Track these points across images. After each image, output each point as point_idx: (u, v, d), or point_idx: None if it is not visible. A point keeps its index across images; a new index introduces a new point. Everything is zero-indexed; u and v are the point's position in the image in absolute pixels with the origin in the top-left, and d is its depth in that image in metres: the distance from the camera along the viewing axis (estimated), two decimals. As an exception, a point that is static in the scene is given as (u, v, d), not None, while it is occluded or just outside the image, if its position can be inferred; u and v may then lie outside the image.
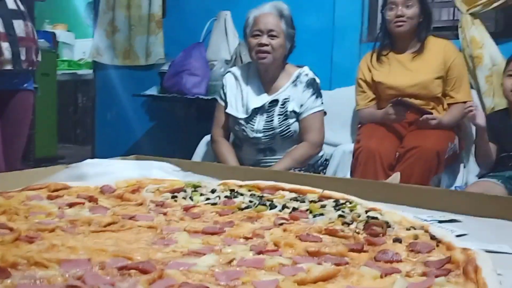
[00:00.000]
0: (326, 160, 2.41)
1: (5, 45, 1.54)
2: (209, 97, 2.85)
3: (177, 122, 3.45)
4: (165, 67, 3.32)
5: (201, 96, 3.00)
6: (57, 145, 5.20)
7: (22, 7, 1.63)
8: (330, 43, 3.10)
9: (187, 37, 3.49)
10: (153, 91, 3.32)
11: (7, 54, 1.55)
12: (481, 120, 2.10)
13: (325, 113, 2.28)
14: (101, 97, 4.03)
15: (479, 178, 2.24)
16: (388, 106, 2.31)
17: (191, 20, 3.54)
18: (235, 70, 2.33)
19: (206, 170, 1.46)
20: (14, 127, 1.74)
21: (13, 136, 1.75)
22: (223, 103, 2.28)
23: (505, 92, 2.19)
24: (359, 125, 2.57)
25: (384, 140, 2.23)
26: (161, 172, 1.46)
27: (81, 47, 7.14)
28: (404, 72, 2.44)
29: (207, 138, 2.58)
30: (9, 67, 1.57)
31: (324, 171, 2.38)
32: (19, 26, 1.58)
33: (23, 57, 1.60)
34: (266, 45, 2.15)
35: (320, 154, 2.33)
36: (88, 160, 1.35)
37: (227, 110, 2.25)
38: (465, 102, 2.30)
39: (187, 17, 3.57)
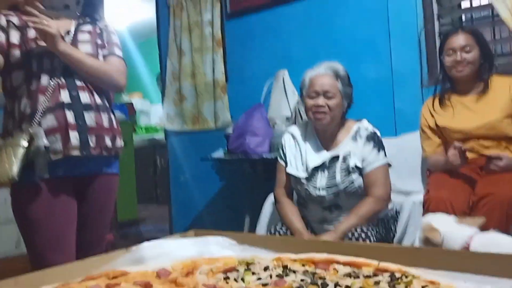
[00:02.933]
0: (397, 212, 2.34)
1: (74, 134, 1.66)
2: (273, 156, 2.87)
3: (244, 181, 3.51)
4: (230, 130, 3.42)
5: (264, 155, 3.04)
6: (137, 208, 5.43)
7: (98, 100, 1.76)
8: (391, 90, 3.06)
9: (249, 99, 3.59)
10: (220, 153, 3.41)
11: (75, 142, 1.67)
12: None
13: (389, 164, 2.22)
14: (174, 161, 4.18)
15: None
16: (449, 151, 2.23)
17: (251, 82, 3.65)
18: (293, 129, 2.35)
19: (261, 242, 1.46)
20: (96, 211, 1.83)
21: (94, 220, 1.84)
22: (283, 163, 2.30)
23: None
24: (428, 173, 2.48)
25: (456, 189, 2.13)
26: (218, 247, 1.48)
27: (157, 112, 7.55)
28: (469, 114, 2.35)
29: (272, 196, 2.59)
30: (76, 153, 1.67)
31: (396, 223, 2.30)
32: (90, 118, 1.71)
33: (92, 144, 1.71)
34: (323, 106, 2.16)
35: (390, 207, 2.26)
36: (146, 243, 1.39)
37: (287, 170, 2.26)
38: None
39: (248, 79, 3.68)
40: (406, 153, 2.81)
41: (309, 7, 3.41)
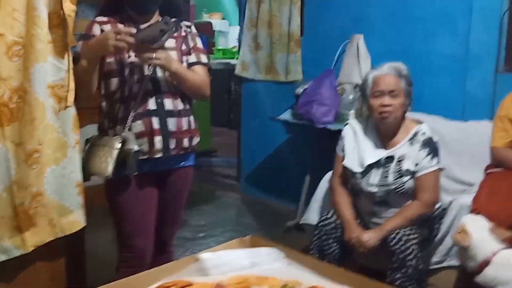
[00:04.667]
0: (443, 210, 2.45)
1: (158, 139, 1.90)
2: (336, 128, 2.98)
3: (309, 143, 3.67)
4: (300, 89, 3.52)
5: (329, 126, 3.17)
6: (211, 139, 5.79)
7: (180, 106, 1.97)
8: (464, 71, 3.01)
9: (322, 58, 3.64)
10: (287, 115, 3.57)
11: (159, 145, 1.91)
12: None
13: (441, 169, 2.31)
14: (246, 105, 4.40)
15: None
16: None
17: (326, 40, 3.67)
18: (354, 123, 2.45)
19: (307, 263, 1.68)
20: (173, 198, 2.09)
21: (172, 205, 2.11)
22: (341, 154, 2.44)
23: None
24: (487, 171, 2.51)
25: (507, 204, 2.15)
26: (268, 259, 1.72)
27: (235, 34, 7.63)
28: None
29: (329, 174, 2.74)
30: (160, 155, 1.93)
31: (441, 221, 2.43)
32: (172, 123, 1.93)
33: (172, 146, 1.95)
34: (389, 105, 2.24)
35: (437, 205, 2.38)
36: (209, 254, 1.66)
37: (344, 163, 2.40)
38: None
39: (323, 37, 3.70)
40: (472, 141, 2.83)
41: (392, -30, 3.30)
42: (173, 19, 1.98)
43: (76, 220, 1.78)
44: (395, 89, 2.24)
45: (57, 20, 1.67)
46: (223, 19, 8.16)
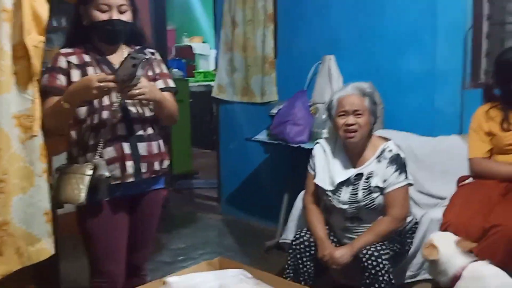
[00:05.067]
0: (416, 223, 2.49)
1: (130, 163, 1.94)
2: (311, 146, 3.02)
3: (286, 162, 3.72)
4: (275, 110, 3.58)
5: (303, 145, 3.22)
6: (192, 161, 5.81)
7: (150, 131, 2.00)
8: (432, 88, 3.08)
9: (296, 78, 3.71)
10: (263, 135, 3.61)
11: (131, 170, 1.94)
12: None
13: (410, 184, 2.36)
14: (223, 127, 4.45)
15: None
16: None
17: (299, 61, 3.74)
18: (323, 142, 2.51)
19: (273, 283, 1.71)
20: (145, 221, 2.12)
21: (143, 227, 2.13)
22: (312, 173, 2.48)
23: None
24: (459, 184, 2.56)
25: (476, 217, 2.20)
26: (235, 280, 1.75)
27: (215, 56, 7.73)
28: None
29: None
30: (131, 179, 1.96)
31: (413, 236, 2.47)
32: (143, 147, 1.97)
33: (144, 170, 1.98)
34: (353, 124, 2.29)
35: (408, 220, 2.42)
36: (175, 277, 1.68)
37: (315, 181, 2.44)
38: None
39: (297, 59, 3.77)
40: (442, 156, 2.88)
41: (360, -8, 3.40)
42: (137, 47, 2.04)
43: (44, 248, 1.79)
44: (359, 108, 2.30)
45: (22, 52, 1.70)
46: (203, 42, 8.25)
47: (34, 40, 1.70)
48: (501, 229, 2.09)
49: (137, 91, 1.81)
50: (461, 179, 2.59)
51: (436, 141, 2.98)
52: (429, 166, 2.91)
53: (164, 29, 5.13)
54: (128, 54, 1.78)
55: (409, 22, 3.17)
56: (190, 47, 7.96)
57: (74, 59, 1.93)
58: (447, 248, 2.05)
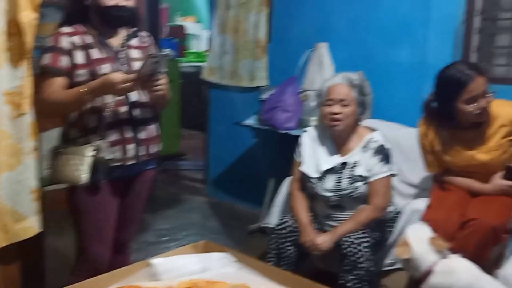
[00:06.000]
0: (397, 213, 2.55)
1: (131, 146, 1.99)
2: (299, 133, 3.05)
3: (274, 147, 3.74)
4: (266, 95, 3.59)
5: (291, 132, 3.25)
6: (180, 142, 5.81)
7: (149, 114, 2.04)
8: (421, 79, 3.11)
9: (289, 65, 3.71)
10: (252, 120, 3.63)
11: (131, 153, 1.99)
12: None
13: (394, 175, 2.40)
14: (213, 110, 4.45)
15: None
16: (496, 180, 2.26)
17: (293, 48, 3.74)
18: (311, 130, 2.54)
19: (257, 267, 1.75)
20: (136, 198, 2.15)
21: (135, 205, 2.16)
22: (299, 160, 2.52)
23: None
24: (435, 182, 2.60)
25: (452, 213, 2.25)
26: (219, 263, 1.78)
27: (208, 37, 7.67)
28: (466, 152, 2.36)
29: (290, 179, 2.80)
30: (132, 162, 2.01)
31: (394, 225, 2.52)
32: (143, 131, 2.02)
33: (143, 153, 2.03)
34: (338, 113, 2.32)
35: (390, 209, 2.47)
36: (160, 259, 1.71)
37: (301, 168, 2.48)
38: None
39: (290, 45, 3.77)
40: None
41: (354, -20, 3.40)
42: (132, 29, 2.05)
43: (30, 226, 1.81)
44: (345, 98, 2.33)
45: (15, 29, 1.69)
46: (197, 22, 8.19)
47: (28, 17, 1.69)
48: (476, 223, 2.15)
49: (159, 87, 1.89)
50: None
51: (421, 132, 3.01)
52: (413, 157, 2.93)
53: (157, 7, 5.09)
54: (149, 55, 1.86)
55: (402, 14, 3.19)
56: (182, 26, 7.89)
57: (77, 40, 1.93)
58: (420, 245, 2.08)
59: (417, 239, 2.09)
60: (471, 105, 2.22)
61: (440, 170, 2.48)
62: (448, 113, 2.30)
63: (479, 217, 2.15)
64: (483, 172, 2.35)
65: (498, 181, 2.25)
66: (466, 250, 2.10)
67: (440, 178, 2.51)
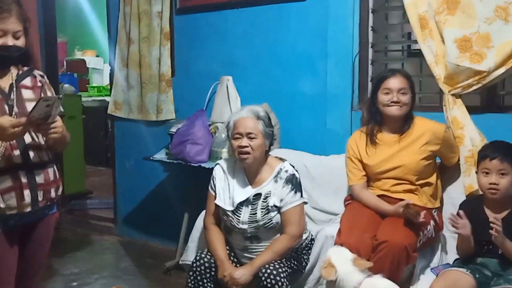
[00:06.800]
0: (312, 239, 2.61)
1: (26, 192, 1.86)
2: (211, 166, 3.05)
3: (186, 180, 3.71)
4: (174, 129, 3.56)
5: (203, 164, 3.24)
6: (85, 180, 5.57)
7: (45, 157, 1.94)
8: (324, 109, 3.26)
9: (195, 97, 3.74)
10: (162, 154, 3.58)
11: (28, 199, 1.87)
12: (467, 230, 2.20)
13: (305, 202, 2.47)
14: (119, 145, 4.33)
15: (452, 263, 2.39)
16: (399, 207, 2.39)
17: (198, 81, 3.78)
18: (223, 163, 2.55)
19: None
20: (38, 246, 2.03)
21: (36, 253, 2.04)
22: (213, 193, 2.51)
23: (482, 188, 2.31)
24: (345, 203, 2.73)
25: (364, 235, 2.35)
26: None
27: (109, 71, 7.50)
28: (389, 153, 2.56)
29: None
30: (28, 209, 1.89)
31: (309, 252, 2.58)
32: (39, 175, 1.91)
33: (40, 198, 1.91)
34: (246, 146, 2.37)
35: (304, 237, 2.53)
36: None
37: (215, 201, 2.48)
38: None
39: (194, 78, 3.80)
40: (334, 174, 3.02)
41: (255, 14, 3.50)
42: (26, 68, 1.96)
43: None
44: (252, 131, 2.38)
45: None
46: (97, 56, 7.98)
47: None
48: (387, 245, 2.27)
49: (53, 129, 1.82)
50: (347, 198, 2.77)
51: (328, 159, 3.14)
52: (322, 184, 3.06)
53: (54, 41, 4.90)
54: (41, 98, 1.77)
55: (302, 48, 3.33)
56: (83, 60, 7.66)
57: None
58: (344, 265, 2.17)
59: (341, 259, 2.16)
60: (387, 95, 2.54)
61: (360, 181, 2.64)
62: (375, 109, 2.61)
63: (390, 239, 2.27)
64: (398, 177, 2.54)
65: (399, 208, 2.40)
66: (382, 271, 2.19)
67: (353, 195, 2.65)
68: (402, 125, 2.59)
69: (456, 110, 2.68)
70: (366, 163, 2.63)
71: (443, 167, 2.72)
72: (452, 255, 2.49)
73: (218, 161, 2.60)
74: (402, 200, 2.43)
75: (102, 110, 6.93)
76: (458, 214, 2.25)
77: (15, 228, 1.90)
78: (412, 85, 2.59)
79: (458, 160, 2.66)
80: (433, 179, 2.60)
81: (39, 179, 1.90)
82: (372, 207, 2.55)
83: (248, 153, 2.37)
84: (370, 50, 3.17)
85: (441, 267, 2.43)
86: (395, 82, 2.54)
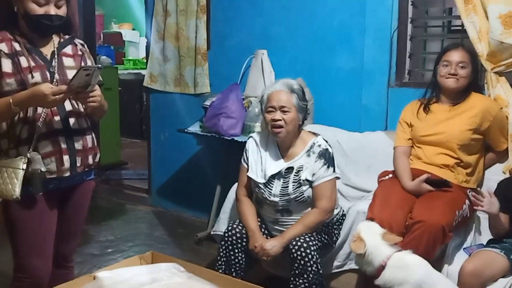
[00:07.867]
0: (343, 215, 2.61)
1: (66, 158, 1.92)
2: (244, 139, 3.07)
3: (219, 153, 3.74)
4: (208, 102, 3.58)
5: (236, 138, 3.26)
6: (120, 151, 5.68)
7: (84, 124, 1.99)
8: (360, 86, 3.22)
9: (229, 71, 3.74)
10: (196, 127, 3.62)
11: (67, 164, 1.92)
12: (493, 208, 2.18)
13: (338, 177, 2.46)
14: (154, 118, 4.39)
15: (486, 244, 2.35)
16: (419, 182, 2.44)
17: (232, 54, 3.77)
18: (256, 136, 2.56)
19: (206, 276, 1.74)
20: (75, 210, 2.09)
21: (74, 218, 2.10)
22: (246, 166, 2.53)
23: None
24: (379, 180, 2.70)
25: (397, 212, 2.35)
26: (168, 274, 1.76)
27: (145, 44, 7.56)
28: (438, 121, 2.57)
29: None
30: (67, 174, 1.94)
31: (340, 227, 2.58)
32: (78, 142, 1.96)
33: (78, 164, 1.96)
34: (280, 120, 2.36)
35: (336, 212, 2.53)
36: (106, 272, 1.66)
37: (248, 174, 2.49)
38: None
39: (229, 52, 3.80)
40: (367, 151, 3.02)
41: (292, -12, 3.46)
42: (67, 37, 2.00)
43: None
44: (286, 104, 2.37)
45: None
46: (133, 29, 8.06)
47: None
48: (423, 224, 2.24)
49: (92, 98, 1.85)
50: (381, 174, 2.75)
51: (362, 136, 3.12)
52: (355, 161, 3.04)
53: (92, 14, 4.96)
54: (81, 67, 1.80)
55: (339, 22, 3.29)
56: (119, 33, 7.75)
57: (3, 47, 1.84)
58: (373, 239, 2.17)
59: (370, 234, 2.16)
60: (446, 67, 2.54)
61: (403, 143, 2.67)
62: (434, 80, 2.63)
63: (427, 219, 2.24)
64: (440, 143, 2.54)
65: (420, 184, 2.44)
66: (417, 250, 2.18)
67: (393, 157, 2.67)
68: (458, 98, 2.58)
69: (500, 88, 2.61)
70: (413, 125, 2.63)
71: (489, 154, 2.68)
72: (486, 236, 2.45)
73: (251, 134, 2.60)
74: (437, 177, 2.41)
75: (138, 83, 7.00)
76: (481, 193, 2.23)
77: (54, 192, 1.96)
78: (474, 60, 2.57)
79: (507, 148, 2.60)
80: (474, 159, 2.56)
81: (78, 145, 1.95)
82: (397, 173, 2.57)
83: (281, 126, 2.37)
84: (409, 26, 3.10)
85: (474, 247, 2.40)
86: (454, 55, 2.53)
